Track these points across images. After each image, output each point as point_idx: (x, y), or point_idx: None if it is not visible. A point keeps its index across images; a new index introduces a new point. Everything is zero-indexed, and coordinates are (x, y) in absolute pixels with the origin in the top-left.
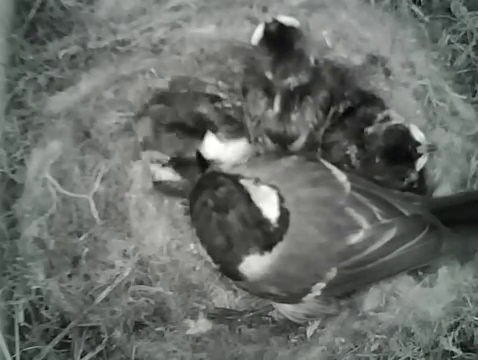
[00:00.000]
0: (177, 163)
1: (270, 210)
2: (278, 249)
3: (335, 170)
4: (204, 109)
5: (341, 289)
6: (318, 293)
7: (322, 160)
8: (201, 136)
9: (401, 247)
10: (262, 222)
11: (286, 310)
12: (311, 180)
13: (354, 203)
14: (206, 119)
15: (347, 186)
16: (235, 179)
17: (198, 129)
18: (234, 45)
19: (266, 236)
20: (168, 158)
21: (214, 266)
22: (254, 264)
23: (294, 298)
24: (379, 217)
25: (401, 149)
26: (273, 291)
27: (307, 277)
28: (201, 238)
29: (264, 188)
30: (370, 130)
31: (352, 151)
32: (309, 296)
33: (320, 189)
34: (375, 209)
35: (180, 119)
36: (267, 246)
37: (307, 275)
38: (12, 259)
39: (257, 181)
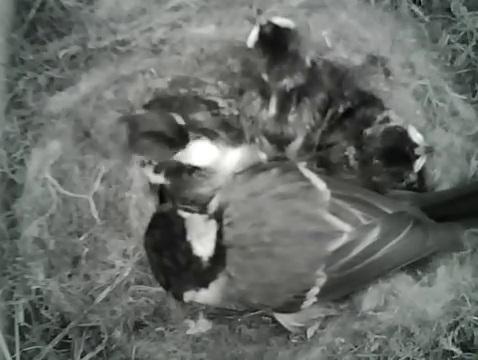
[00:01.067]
0: (166, 169)
1: (203, 248)
2: (233, 271)
3: (314, 179)
4: (201, 117)
5: (336, 294)
6: (314, 300)
7: (302, 168)
8: (180, 147)
9: (386, 245)
10: (193, 261)
11: (286, 321)
12: (286, 194)
13: (336, 210)
14: (202, 127)
15: (327, 194)
16: (174, 216)
17: (177, 140)
18: (234, 45)
19: (197, 276)
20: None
21: None
22: (199, 296)
23: (291, 307)
24: (363, 220)
25: (398, 151)
26: (268, 303)
27: (294, 285)
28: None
29: (211, 223)
30: (368, 131)
31: (350, 152)
32: (306, 304)
33: (294, 201)
34: (358, 212)
35: (159, 128)
36: (200, 284)
37: (293, 282)
38: (12, 259)
39: (213, 214)
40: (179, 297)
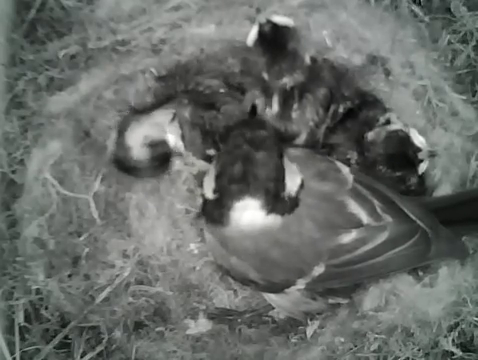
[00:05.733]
0: None
1: (290, 183)
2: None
3: (338, 163)
4: None
5: (325, 285)
6: (302, 286)
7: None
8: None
9: (391, 251)
10: (278, 180)
11: (272, 299)
12: (319, 172)
13: (356, 195)
14: None
15: (350, 178)
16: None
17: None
18: (234, 45)
19: (274, 196)
20: None
21: (208, 192)
22: (248, 214)
23: (276, 288)
24: (379, 211)
25: (401, 156)
26: (252, 276)
27: (292, 270)
28: (218, 161)
29: (294, 167)
30: (370, 136)
31: (352, 157)
32: (292, 288)
33: (326, 183)
34: (376, 202)
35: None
36: (268, 207)
37: (292, 268)
38: (12, 259)
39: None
40: (230, 200)
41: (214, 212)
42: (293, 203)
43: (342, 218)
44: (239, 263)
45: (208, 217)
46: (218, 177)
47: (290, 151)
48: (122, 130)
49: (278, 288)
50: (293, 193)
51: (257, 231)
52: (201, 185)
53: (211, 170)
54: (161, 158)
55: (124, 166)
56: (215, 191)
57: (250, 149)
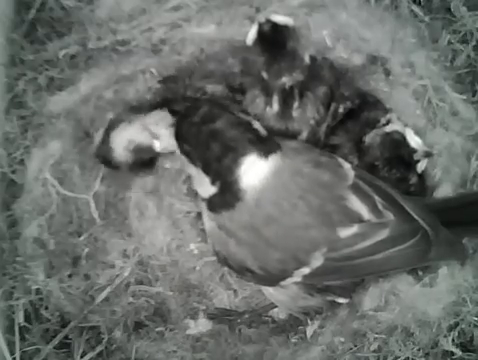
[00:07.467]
0: None
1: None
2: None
3: (339, 158)
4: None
5: (323, 279)
6: (299, 279)
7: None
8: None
9: (391, 249)
10: (252, 126)
11: (270, 293)
12: (315, 161)
13: (356, 190)
14: None
15: (351, 174)
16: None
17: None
18: (234, 45)
19: (260, 139)
20: None
21: (207, 193)
22: (254, 171)
23: (272, 279)
24: (380, 207)
25: (397, 159)
26: (250, 264)
27: (287, 257)
28: (193, 158)
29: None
30: (367, 140)
31: (353, 162)
32: (288, 280)
33: (323, 172)
34: (376, 198)
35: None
36: (263, 151)
37: (287, 253)
38: (12, 259)
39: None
40: (234, 169)
41: (224, 196)
42: (271, 138)
43: (341, 211)
44: (237, 249)
45: (219, 204)
46: (206, 167)
47: (286, 142)
48: (110, 128)
49: (275, 279)
50: (264, 131)
51: (269, 180)
52: None
53: (195, 172)
54: (145, 162)
55: (105, 162)
56: (213, 181)
57: (208, 126)
